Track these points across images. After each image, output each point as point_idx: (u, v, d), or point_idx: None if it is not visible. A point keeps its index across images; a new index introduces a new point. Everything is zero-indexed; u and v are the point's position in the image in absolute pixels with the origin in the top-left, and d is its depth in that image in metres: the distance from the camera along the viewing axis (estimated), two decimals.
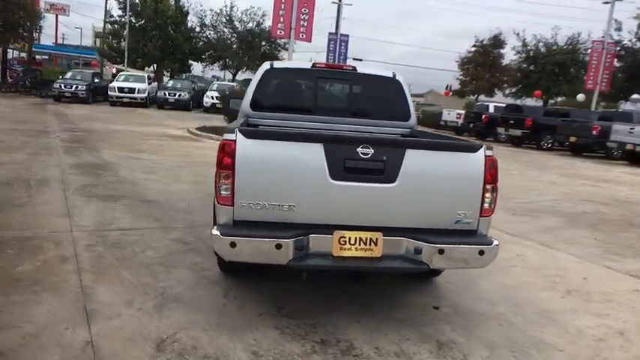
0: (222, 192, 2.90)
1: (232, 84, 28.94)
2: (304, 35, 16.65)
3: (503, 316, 3.57)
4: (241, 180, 2.88)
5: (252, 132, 2.95)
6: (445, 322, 3.40)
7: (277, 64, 4.53)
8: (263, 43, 36.61)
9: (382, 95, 4.64)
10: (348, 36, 34.57)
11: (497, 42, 33.69)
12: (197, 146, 12.35)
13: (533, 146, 20.49)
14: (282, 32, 16.23)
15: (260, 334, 3.04)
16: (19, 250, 4.06)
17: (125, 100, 25.57)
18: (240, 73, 38.39)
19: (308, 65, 4.57)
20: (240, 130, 2.89)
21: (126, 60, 33.18)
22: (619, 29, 27.16)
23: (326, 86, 4.69)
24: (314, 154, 2.91)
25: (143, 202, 6.07)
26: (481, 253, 3.01)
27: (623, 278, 4.57)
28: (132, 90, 25.84)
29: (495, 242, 3.05)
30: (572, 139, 18.80)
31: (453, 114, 26.09)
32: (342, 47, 34.33)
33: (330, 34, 33.92)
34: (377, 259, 3.02)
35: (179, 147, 11.77)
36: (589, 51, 31.90)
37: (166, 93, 26.94)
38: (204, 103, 27.21)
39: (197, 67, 41.39)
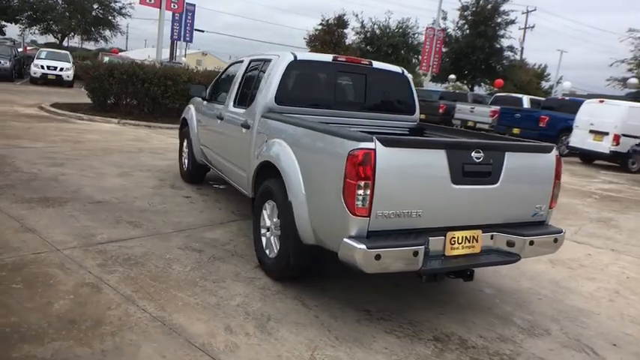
0: (358, 203, 2.78)
1: (65, 52, 25.14)
2: (176, 6, 15.35)
3: (534, 290, 4.14)
4: (380, 190, 2.79)
5: (390, 140, 2.85)
6: (503, 303, 3.81)
7: (300, 56, 4.30)
8: (95, 5, 32.46)
9: (393, 90, 4.78)
10: (194, 6, 32.69)
11: (340, 22, 35.49)
12: (75, 129, 10.67)
13: None
14: (152, 1, 14.69)
15: (383, 341, 3.03)
16: (24, 283, 3.21)
17: None
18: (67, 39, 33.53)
19: (329, 58, 4.44)
20: (378, 139, 2.78)
21: None
22: (445, 18, 31.11)
23: (344, 80, 4.61)
24: (439, 160, 2.97)
25: (94, 204, 5.18)
26: (555, 240, 3.46)
27: (572, 245, 5.59)
28: None
29: (563, 230, 3.53)
30: (422, 116, 21.20)
31: None
32: (189, 17, 32.37)
33: (173, 3, 31.53)
34: (477, 254, 3.24)
35: (55, 130, 10.03)
36: (417, 35, 35.90)
37: None
38: (32, 74, 23.22)
39: (11, 30, 34.76)
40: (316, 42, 35.90)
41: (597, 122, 13.40)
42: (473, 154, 3.08)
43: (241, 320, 3.08)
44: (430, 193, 2.99)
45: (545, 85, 46.72)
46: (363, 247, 2.75)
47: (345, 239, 2.83)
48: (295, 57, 4.24)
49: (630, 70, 24.77)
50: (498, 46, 30.78)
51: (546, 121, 15.21)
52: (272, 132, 3.89)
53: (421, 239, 2.92)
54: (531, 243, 3.31)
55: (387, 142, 2.81)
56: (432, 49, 28.63)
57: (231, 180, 4.97)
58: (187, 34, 33.58)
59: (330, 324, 3.17)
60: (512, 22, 30.83)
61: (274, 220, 3.71)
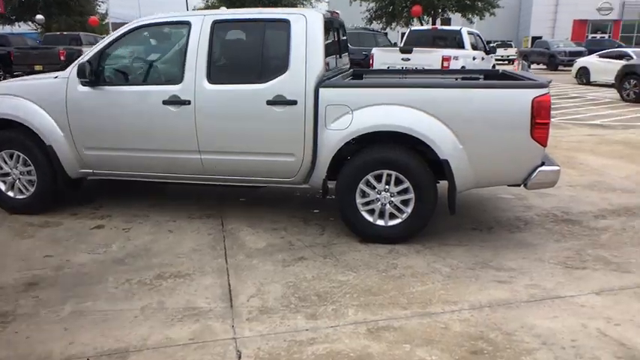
0: (547, 136, 3.45)
1: None
2: None
3: None
4: None
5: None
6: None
7: (325, 14, 3.84)
8: None
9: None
10: None
11: None
12: None
13: None
14: None
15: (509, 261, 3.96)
16: None
17: None
18: None
19: (329, 14, 4.12)
20: None
21: None
22: None
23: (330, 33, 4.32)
24: None
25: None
26: None
27: None
28: None
29: None
30: (39, 67, 17.84)
31: None
32: None
33: None
34: None
35: None
36: None
37: None
38: None
39: None
40: None
41: None
42: None
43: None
44: None
45: None
46: (558, 167, 3.54)
47: (541, 168, 3.51)
48: (324, 15, 3.79)
49: None
50: None
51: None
52: (363, 100, 3.58)
53: None
54: None
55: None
56: None
57: (230, 175, 4.00)
58: None
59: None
60: None
61: (391, 189, 3.67)
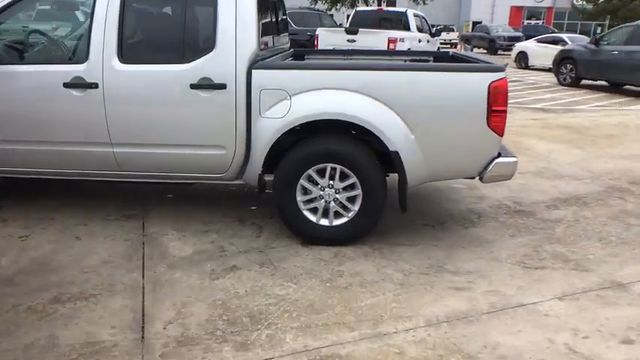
0: (504, 125, 3.11)
1: None
2: None
3: None
4: None
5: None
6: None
7: None
8: None
9: None
10: None
11: None
12: None
13: None
14: None
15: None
16: None
17: None
18: None
19: None
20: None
21: None
22: None
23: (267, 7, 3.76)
24: None
25: None
26: None
27: None
28: None
29: None
30: None
31: None
32: None
33: None
34: None
35: None
36: None
37: None
38: None
39: None
40: None
41: None
42: None
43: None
44: None
45: None
46: (515, 158, 3.23)
47: (499, 159, 3.19)
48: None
49: None
50: None
51: None
52: (303, 84, 3.10)
53: None
54: None
55: None
56: None
57: (150, 171, 3.42)
58: None
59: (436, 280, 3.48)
60: None
61: (335, 184, 3.24)
